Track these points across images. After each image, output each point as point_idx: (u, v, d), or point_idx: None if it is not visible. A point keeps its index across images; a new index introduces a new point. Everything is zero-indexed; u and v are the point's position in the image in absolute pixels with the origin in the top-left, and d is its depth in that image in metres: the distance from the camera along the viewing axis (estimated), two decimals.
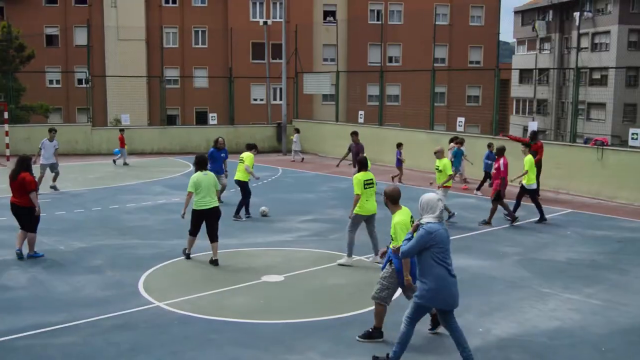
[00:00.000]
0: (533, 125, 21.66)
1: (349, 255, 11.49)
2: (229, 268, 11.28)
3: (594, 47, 52.57)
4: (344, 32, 44.68)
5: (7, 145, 25.30)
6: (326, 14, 49.86)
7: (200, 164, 11.46)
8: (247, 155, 15.40)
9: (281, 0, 34.75)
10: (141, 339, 8.04)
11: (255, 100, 47.63)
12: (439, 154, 15.03)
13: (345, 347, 7.88)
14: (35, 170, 13.28)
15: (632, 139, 18.45)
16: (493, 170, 15.45)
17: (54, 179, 19.10)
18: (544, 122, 47.57)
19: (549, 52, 57.32)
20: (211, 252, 11.44)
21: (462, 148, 20.41)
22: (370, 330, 8.09)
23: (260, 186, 19.39)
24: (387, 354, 7.33)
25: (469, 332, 8.31)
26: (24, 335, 8.12)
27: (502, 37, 28.08)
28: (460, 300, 9.39)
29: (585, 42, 51.48)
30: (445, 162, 14.82)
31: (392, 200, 8.14)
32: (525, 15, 61.51)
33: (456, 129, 23.51)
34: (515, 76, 57.18)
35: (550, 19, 57.31)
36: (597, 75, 49.75)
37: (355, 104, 34.99)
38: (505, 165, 14.93)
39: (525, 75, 58.66)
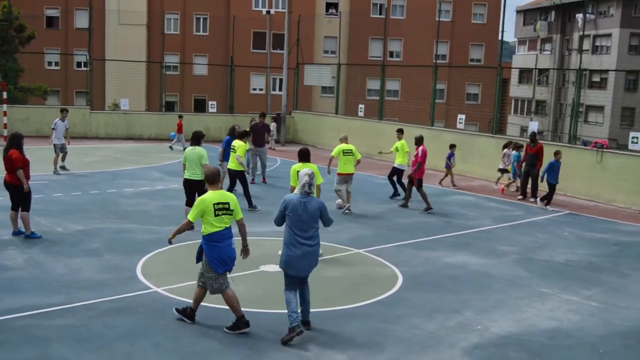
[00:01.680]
0: (533, 126, 21.64)
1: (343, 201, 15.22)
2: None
3: (595, 49, 52.64)
4: (346, 24, 44.54)
5: (5, 126, 25.19)
6: (329, 5, 49.73)
7: (193, 139, 12.85)
8: (239, 144, 15.07)
9: None
10: (139, 324, 8.04)
11: (254, 89, 47.51)
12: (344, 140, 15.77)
13: (344, 338, 7.90)
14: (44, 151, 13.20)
15: (632, 142, 18.45)
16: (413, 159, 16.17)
17: (63, 159, 19.30)
18: (542, 123, 47.54)
19: (549, 52, 57.32)
20: None
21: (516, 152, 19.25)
22: (235, 321, 7.96)
23: (259, 176, 19.33)
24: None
25: (467, 328, 8.42)
26: (22, 316, 8.11)
27: (503, 36, 28.21)
28: (458, 297, 9.55)
29: (586, 44, 51.48)
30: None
31: (207, 180, 8.01)
32: (527, 14, 61.44)
33: (456, 126, 23.50)
34: (514, 76, 57.22)
35: (552, 20, 57.32)
36: (596, 78, 49.76)
37: (355, 98, 34.95)
38: (424, 152, 15.83)
39: (524, 75, 58.67)
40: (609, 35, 51.38)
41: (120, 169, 20.43)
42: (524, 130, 41.47)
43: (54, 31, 47.66)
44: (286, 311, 7.77)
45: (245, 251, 8.21)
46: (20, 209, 11.59)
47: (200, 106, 43.68)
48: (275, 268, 10.44)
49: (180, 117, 26.96)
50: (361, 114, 28.01)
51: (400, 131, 17.97)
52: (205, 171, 8.19)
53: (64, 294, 8.89)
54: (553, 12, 57.39)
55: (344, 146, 15.31)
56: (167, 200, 15.69)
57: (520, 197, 18.41)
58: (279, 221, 7.96)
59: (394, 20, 46.73)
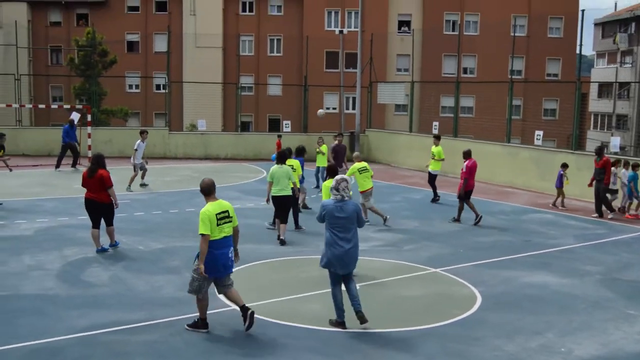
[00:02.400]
0: (615, 141, 21.01)
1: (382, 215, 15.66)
2: (304, 274, 11.32)
3: None
4: (418, 42, 44.33)
5: (89, 147, 26.13)
6: (401, 23, 49.72)
7: (279, 158, 13.85)
8: (297, 164, 15.20)
9: (357, 10, 34.84)
10: (217, 341, 8.14)
11: (328, 108, 47.73)
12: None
13: (422, 359, 7.78)
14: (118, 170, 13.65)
15: None
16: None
17: (143, 176, 20.28)
18: (624, 138, 45.97)
19: (630, 65, 55.43)
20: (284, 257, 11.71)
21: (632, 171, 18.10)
22: (196, 320, 8.47)
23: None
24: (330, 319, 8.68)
25: (550, 350, 8.16)
26: (106, 332, 8.32)
27: (582, 50, 27.53)
28: (539, 318, 9.29)
29: None
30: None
31: (203, 192, 8.47)
32: (605, 27, 59.67)
33: (534, 142, 22.98)
34: (594, 90, 55.59)
35: (632, 32, 55.49)
36: None
37: (429, 115, 34.74)
38: (468, 167, 16.01)
39: (604, 89, 56.96)
40: None
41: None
42: (604, 145, 40.04)
43: (134, 55, 49.47)
44: (362, 330, 7.77)
45: (235, 254, 8.57)
46: (106, 225, 12.22)
47: (274, 126, 44.33)
48: None
49: (279, 136, 26.88)
50: (435, 131, 27.72)
51: (436, 137, 19.73)
52: (200, 183, 8.59)
53: (145, 311, 9.11)
54: (633, 24, 55.56)
55: (358, 165, 15.56)
56: (244, 219, 15.74)
57: (595, 215, 17.79)
58: (320, 219, 8.70)
59: (468, 36, 46.24)
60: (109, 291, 9.99)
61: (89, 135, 26.50)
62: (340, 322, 8.53)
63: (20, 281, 10.37)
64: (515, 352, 8.05)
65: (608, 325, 9.14)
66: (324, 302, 9.67)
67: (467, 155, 16.31)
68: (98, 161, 12.12)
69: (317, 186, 21.29)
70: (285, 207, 13.75)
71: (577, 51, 23.63)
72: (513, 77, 26.28)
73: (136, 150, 20.01)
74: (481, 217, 16.08)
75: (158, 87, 45.99)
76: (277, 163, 13.83)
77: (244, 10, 50.42)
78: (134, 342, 8.01)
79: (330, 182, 11.15)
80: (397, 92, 31.21)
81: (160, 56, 42.37)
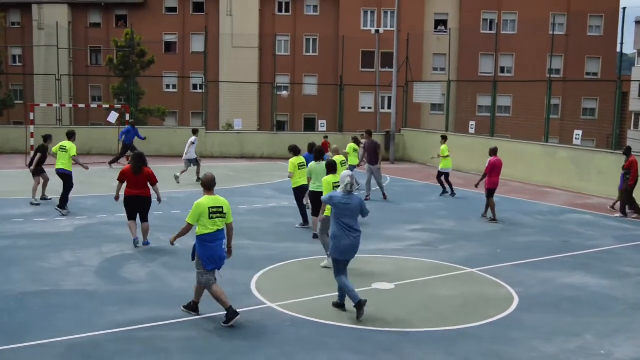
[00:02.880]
0: None
1: None
2: None
3: None
4: (455, 41, 44.04)
5: None
6: (437, 23, 49.41)
7: (317, 155, 13.69)
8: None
9: (393, 9, 34.78)
10: (254, 338, 8.18)
11: (363, 108, 47.80)
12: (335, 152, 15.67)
13: (458, 359, 7.74)
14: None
15: None
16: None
17: (198, 172, 21.48)
18: None
19: None
20: (321, 256, 11.72)
21: None
22: (225, 313, 8.62)
23: (375, 192, 19.38)
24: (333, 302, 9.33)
25: (589, 352, 8.06)
26: (144, 327, 8.42)
27: (622, 48, 26.97)
28: (578, 319, 9.18)
29: None
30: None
31: (204, 186, 8.81)
32: None
33: (572, 142, 22.70)
34: (634, 89, 54.52)
35: None
36: None
37: (465, 114, 34.47)
38: (490, 163, 16.12)
39: None
40: None
41: (234, 186, 21.00)
42: (630, 147, 39.29)
43: (171, 56, 50.02)
44: (398, 329, 7.74)
45: (229, 251, 8.93)
46: (141, 221, 12.65)
47: (310, 125, 44.44)
48: (387, 286, 10.51)
49: (326, 137, 27.03)
50: (472, 130, 27.59)
51: (443, 137, 20.48)
52: (202, 177, 8.89)
53: None
54: None
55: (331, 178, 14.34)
56: (279, 218, 15.98)
57: (619, 214, 17.66)
58: (327, 201, 9.37)
59: (505, 35, 45.69)
60: (147, 287, 10.13)
61: None
62: (360, 303, 8.85)
63: (60, 277, 10.57)
64: (553, 354, 7.95)
65: None
66: None
67: (492, 152, 16.41)
68: (142, 159, 12.57)
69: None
70: (318, 201, 13.64)
71: (618, 49, 23.25)
72: (552, 76, 25.91)
73: (193, 143, 21.48)
74: (495, 221, 16.11)
75: (195, 86, 46.45)
76: (315, 160, 13.77)
77: (280, 10, 50.62)
78: (172, 338, 8.09)
79: (330, 178, 11.63)
80: (433, 92, 31.09)
81: (197, 56, 42.77)
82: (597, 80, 46.10)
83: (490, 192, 16.23)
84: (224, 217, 8.66)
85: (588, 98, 45.72)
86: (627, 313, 9.60)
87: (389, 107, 33.43)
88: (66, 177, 16.06)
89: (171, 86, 50.33)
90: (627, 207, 17.63)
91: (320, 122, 32.09)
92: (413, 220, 16.12)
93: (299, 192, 14.67)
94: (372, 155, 19.11)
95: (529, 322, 9.05)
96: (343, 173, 9.22)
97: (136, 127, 25.86)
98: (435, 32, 48.30)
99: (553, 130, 25.63)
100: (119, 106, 29.73)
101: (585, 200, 19.88)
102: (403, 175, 25.71)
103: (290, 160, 14.65)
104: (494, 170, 16.10)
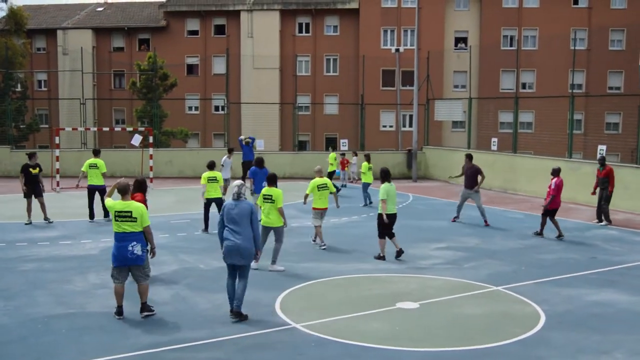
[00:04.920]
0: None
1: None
2: (364, 292, 11.30)
3: None
4: (475, 58, 44.06)
5: (151, 168, 26.81)
6: (457, 40, 49.46)
7: (384, 176, 13.67)
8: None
9: (412, 28, 34.92)
10: (279, 359, 8.15)
11: (384, 126, 47.85)
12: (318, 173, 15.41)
13: None
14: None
15: None
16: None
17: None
18: None
19: None
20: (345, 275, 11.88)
21: None
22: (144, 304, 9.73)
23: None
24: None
25: None
26: (170, 349, 8.44)
27: None
28: (606, 337, 9.07)
29: None
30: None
31: (119, 191, 9.66)
32: None
33: (596, 156, 22.52)
34: None
35: None
36: None
37: (487, 131, 34.42)
38: (556, 185, 16.13)
39: None
40: None
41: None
42: (604, 156, 38.97)
43: (194, 78, 50.57)
44: (424, 349, 7.70)
45: (152, 252, 9.82)
46: None
47: (331, 144, 44.50)
48: (412, 305, 10.44)
49: (343, 155, 28.21)
50: (494, 147, 27.49)
51: (467, 156, 19.14)
52: (117, 183, 9.70)
53: (207, 329, 9.21)
54: None
55: (318, 180, 15.06)
56: (301, 237, 15.96)
57: (595, 220, 18.56)
58: (220, 224, 9.85)
59: (526, 51, 45.68)
60: (172, 309, 10.15)
61: (151, 157, 27.18)
62: (230, 310, 9.66)
63: (86, 299, 10.65)
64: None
65: None
66: (385, 320, 9.73)
67: (556, 172, 16.35)
68: (140, 186, 11.81)
69: (365, 204, 21.70)
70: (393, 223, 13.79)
71: None
72: (574, 91, 25.78)
73: (222, 165, 21.59)
74: (563, 236, 16.25)
75: (217, 108, 46.85)
76: (383, 181, 13.68)
77: (300, 31, 51.02)
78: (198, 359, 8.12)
79: (317, 181, 14.61)
80: (454, 109, 31.10)
81: (219, 78, 43.23)
82: (620, 94, 45.81)
83: (552, 213, 16.41)
84: (134, 222, 9.43)
85: (611, 112, 45.40)
86: None
87: (410, 125, 33.50)
88: (102, 191, 17.38)
89: (193, 108, 50.81)
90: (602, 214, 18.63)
91: (342, 141, 32.17)
92: (437, 238, 16.05)
93: (208, 203, 16.28)
94: (471, 180, 18.43)
95: (555, 340, 8.96)
96: (232, 183, 10.00)
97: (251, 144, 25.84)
98: (455, 49, 48.40)
99: (576, 146, 25.51)
100: (142, 129, 30.03)
101: (611, 216, 19.65)
102: (425, 193, 25.62)
103: (203, 174, 16.28)
104: (558, 191, 16.20)
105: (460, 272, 12.71)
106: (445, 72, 47.62)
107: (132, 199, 11.71)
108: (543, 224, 16.48)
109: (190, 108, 50.66)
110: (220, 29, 51.07)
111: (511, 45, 46.92)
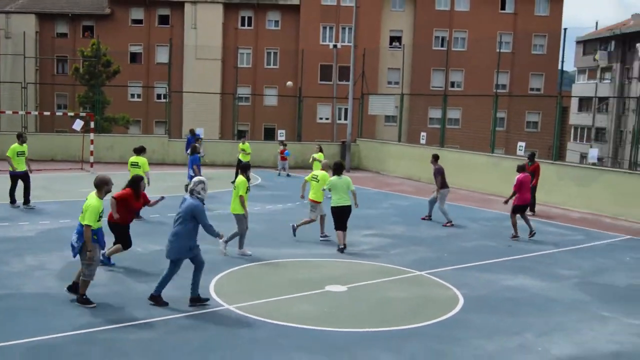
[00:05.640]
0: (593, 153, 21.83)
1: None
2: (295, 276, 11.68)
3: None
4: (408, 56, 45.21)
5: (92, 153, 26.81)
6: (392, 39, 50.76)
7: (337, 169, 13.78)
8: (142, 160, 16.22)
9: (350, 26, 35.62)
10: (212, 340, 8.36)
11: (321, 119, 48.58)
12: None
13: (405, 358, 8.07)
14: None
15: None
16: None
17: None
18: (602, 150, 47.06)
19: (609, 81, 56.90)
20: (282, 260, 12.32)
21: None
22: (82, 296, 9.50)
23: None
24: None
25: (528, 350, 8.46)
26: (104, 329, 8.55)
27: (563, 66, 28.18)
28: (518, 319, 9.65)
29: None
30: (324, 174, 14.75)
31: (95, 185, 9.73)
32: (587, 45, 61.32)
33: (516, 152, 23.73)
34: (574, 104, 56.91)
35: (612, 50, 56.90)
36: None
37: (417, 126, 35.43)
38: (518, 180, 15.78)
39: (584, 103, 58.42)
40: None
41: None
42: (583, 157, 41.26)
43: (137, 66, 50.41)
44: (350, 330, 8.37)
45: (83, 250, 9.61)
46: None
47: (269, 134, 45.00)
48: (340, 288, 10.85)
49: (285, 145, 28.46)
50: (423, 141, 28.49)
51: (432, 156, 18.62)
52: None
53: (143, 310, 9.31)
54: (613, 42, 57.03)
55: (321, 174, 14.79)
56: (234, 223, 16.24)
57: (530, 213, 19.01)
58: None
59: (455, 52, 47.16)
60: (108, 291, 10.19)
61: (92, 142, 27.09)
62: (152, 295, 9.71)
63: (22, 280, 10.63)
64: (494, 352, 8.36)
65: (582, 326, 9.52)
66: (315, 303, 10.11)
67: (520, 169, 16.12)
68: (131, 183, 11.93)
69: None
70: (343, 215, 13.63)
71: (559, 67, 24.53)
72: (498, 90, 26.98)
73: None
74: (518, 237, 15.77)
75: (159, 96, 46.58)
76: (334, 174, 13.75)
77: (242, 24, 51.30)
78: (132, 340, 8.23)
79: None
80: (387, 104, 31.96)
81: (162, 67, 43.09)
82: (540, 95, 47.83)
83: (516, 209, 15.86)
84: (82, 214, 9.51)
85: (531, 112, 47.51)
86: (563, 313, 10.14)
87: (345, 118, 34.15)
88: (25, 178, 17.05)
89: (136, 95, 50.49)
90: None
91: (279, 131, 32.63)
92: (366, 225, 16.45)
93: None
94: (444, 180, 17.88)
95: (472, 322, 9.49)
96: (195, 179, 9.82)
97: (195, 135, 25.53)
98: (390, 47, 49.61)
99: (499, 142, 26.70)
100: (83, 114, 29.89)
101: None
102: (357, 183, 25.82)
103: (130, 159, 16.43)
104: (523, 187, 15.82)
105: (387, 258, 13.24)
106: (380, 68, 48.71)
107: (124, 193, 11.71)
108: (514, 224, 15.85)
109: (132, 95, 50.32)
110: (164, 19, 50.89)
111: (442, 46, 48.36)
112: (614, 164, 46.62)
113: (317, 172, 14.97)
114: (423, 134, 28.65)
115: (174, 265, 9.63)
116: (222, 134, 45.39)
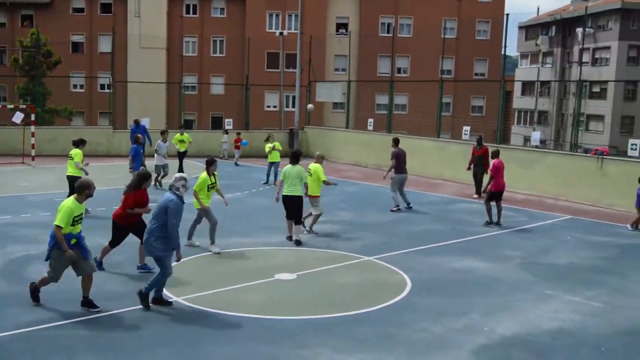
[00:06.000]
0: (536, 136, 22.32)
1: None
2: (244, 266, 11.67)
3: (595, 61, 53.72)
4: (355, 43, 45.39)
5: (33, 146, 26.13)
6: (339, 26, 50.89)
7: (292, 158, 13.62)
8: (75, 152, 15.71)
9: (296, 13, 35.50)
10: (161, 332, 8.29)
11: (269, 107, 48.44)
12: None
13: (355, 342, 8.15)
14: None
15: (632, 149, 18.87)
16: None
17: (163, 177, 20.50)
18: (544, 133, 48.34)
19: (550, 65, 58.46)
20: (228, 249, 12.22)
21: None
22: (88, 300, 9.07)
23: (272, 189, 19.65)
24: None
25: (474, 330, 8.65)
26: (50, 326, 8.37)
27: (506, 51, 28.72)
28: (465, 300, 9.86)
29: (586, 57, 52.34)
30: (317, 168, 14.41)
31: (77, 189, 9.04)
32: (529, 30, 62.79)
33: (461, 137, 24.10)
34: (517, 88, 58.19)
35: (553, 35, 58.31)
36: (596, 89, 50.85)
37: (365, 112, 35.65)
38: (494, 166, 15.76)
39: (527, 87, 59.82)
40: (608, 48, 52.50)
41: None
42: (527, 139, 42.30)
43: (79, 56, 49.48)
44: (299, 317, 8.48)
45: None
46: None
47: (217, 123, 44.68)
48: (290, 276, 10.89)
49: (238, 134, 28.49)
50: (370, 127, 28.70)
51: (393, 140, 18.44)
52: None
53: None
54: (554, 27, 58.61)
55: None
56: (185, 214, 15.97)
57: (475, 196, 19.88)
58: None
59: (401, 38, 47.62)
60: (52, 288, 9.75)
61: (32, 135, 26.40)
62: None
63: None
64: (441, 333, 8.53)
65: (527, 305, 9.78)
66: (264, 291, 10.12)
67: (495, 154, 16.13)
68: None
69: (267, 182, 21.82)
70: (293, 206, 13.34)
71: (502, 52, 24.98)
72: (443, 76, 27.30)
73: (157, 150, 20.52)
74: (493, 223, 15.69)
75: (102, 86, 45.79)
76: (290, 163, 13.55)
77: (187, 12, 50.75)
78: (77, 336, 8.08)
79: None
80: (334, 91, 32.06)
81: (105, 56, 42.21)
82: (484, 80, 48.71)
83: (491, 196, 15.68)
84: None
85: (476, 97, 48.42)
86: (508, 292, 10.40)
87: (293, 106, 34.13)
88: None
89: (79, 86, 49.58)
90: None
91: (227, 120, 32.46)
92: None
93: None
94: (399, 164, 17.72)
95: (420, 304, 9.66)
96: (176, 175, 9.60)
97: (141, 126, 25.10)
98: (336, 34, 49.73)
99: (445, 127, 27.07)
100: (24, 106, 29.12)
101: (470, 191, 20.93)
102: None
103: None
104: (499, 173, 15.72)
105: (335, 244, 13.32)
106: (327, 56, 48.78)
107: (135, 194, 10.96)
108: (489, 210, 15.72)
109: (75, 86, 49.36)
110: (106, 8, 49.94)
111: (388, 32, 48.63)
112: (556, 146, 47.89)
113: (311, 165, 14.45)
114: (370, 120, 28.86)
115: (160, 263, 9.14)
116: (169, 124, 44.78)
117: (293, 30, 42.69)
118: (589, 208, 19.03)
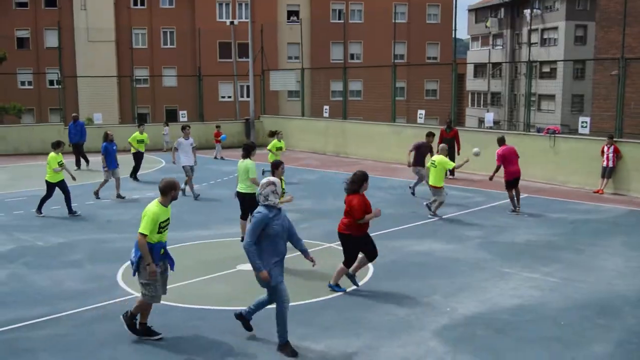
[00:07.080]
0: (489, 117, 22.60)
1: None
2: (205, 258, 11.61)
3: (543, 42, 54.72)
4: (307, 30, 45.46)
5: None
6: (290, 13, 50.77)
7: (244, 151, 12.58)
8: (51, 157, 15.25)
9: (246, 1, 35.29)
10: (122, 329, 8.09)
11: (223, 97, 48.12)
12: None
13: (321, 329, 8.22)
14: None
15: (582, 126, 19.32)
16: None
17: (186, 183, 17.51)
18: (498, 114, 49.24)
19: (501, 47, 59.38)
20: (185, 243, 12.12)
21: None
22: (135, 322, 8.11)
23: (231, 180, 19.58)
24: None
25: (436, 311, 8.78)
26: (6, 329, 8.21)
27: (457, 34, 28.99)
28: (426, 282, 9.99)
29: (535, 38, 53.38)
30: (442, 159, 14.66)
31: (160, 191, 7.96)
32: (478, 13, 63.61)
33: (417, 121, 24.27)
34: (470, 70, 58.95)
35: (502, 17, 59.18)
36: (546, 69, 51.70)
37: (320, 100, 35.63)
38: (498, 154, 15.42)
39: (479, 69, 60.70)
40: (555, 28, 53.55)
41: (95, 181, 20.42)
42: (481, 121, 42.93)
43: (25, 51, 48.43)
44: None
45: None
46: None
47: (171, 116, 44.15)
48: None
49: (218, 127, 28.12)
50: (326, 114, 28.75)
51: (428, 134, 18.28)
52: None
53: (48, 306, 9.02)
54: (502, 9, 59.56)
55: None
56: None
57: (450, 176, 19.92)
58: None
59: (353, 24, 47.81)
60: (8, 289, 9.82)
61: None
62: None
63: None
64: (405, 316, 8.64)
65: (487, 284, 9.97)
66: (226, 282, 10.11)
67: (500, 141, 15.65)
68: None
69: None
70: (244, 204, 12.53)
71: (453, 35, 25.23)
72: (396, 61, 27.40)
73: (177, 148, 17.59)
74: (516, 210, 15.35)
75: (51, 82, 44.72)
76: (243, 157, 12.67)
77: (135, 4, 50.05)
78: (37, 338, 7.96)
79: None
80: (288, 79, 31.95)
81: (52, 51, 41.15)
82: (437, 63, 49.36)
83: (507, 184, 15.32)
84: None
85: (430, 80, 48.88)
86: (468, 273, 10.58)
87: (248, 96, 33.95)
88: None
89: (26, 83, 48.59)
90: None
91: (181, 112, 32.04)
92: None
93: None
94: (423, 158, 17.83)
95: (383, 288, 9.76)
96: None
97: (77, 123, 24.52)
98: (288, 22, 49.59)
99: (400, 111, 27.28)
100: None
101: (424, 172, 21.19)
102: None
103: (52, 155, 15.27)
104: (506, 160, 15.23)
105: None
106: (279, 44, 48.66)
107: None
108: (511, 197, 15.41)
109: (23, 83, 48.34)
110: (51, 1, 48.98)
111: (339, 19, 48.80)
112: (510, 126, 48.63)
113: (435, 157, 14.61)
114: (326, 107, 28.89)
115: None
116: (122, 118, 44.16)
117: (244, 19, 42.38)
118: (544, 186, 19.39)
